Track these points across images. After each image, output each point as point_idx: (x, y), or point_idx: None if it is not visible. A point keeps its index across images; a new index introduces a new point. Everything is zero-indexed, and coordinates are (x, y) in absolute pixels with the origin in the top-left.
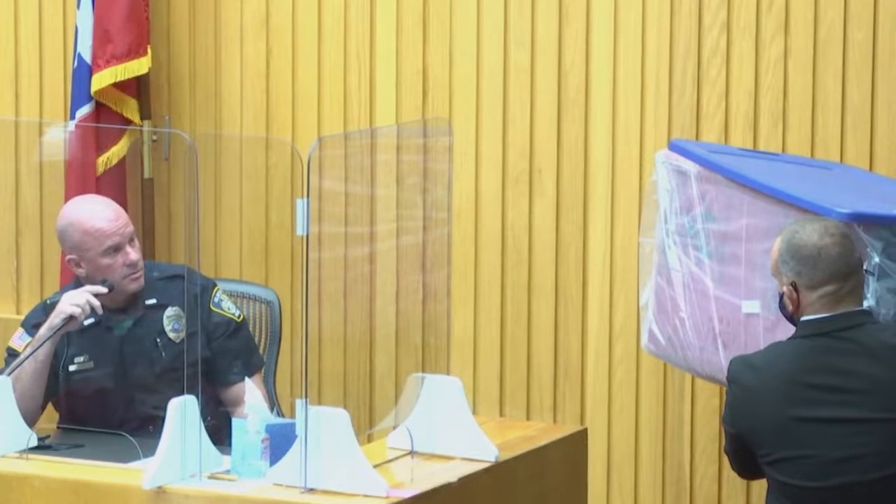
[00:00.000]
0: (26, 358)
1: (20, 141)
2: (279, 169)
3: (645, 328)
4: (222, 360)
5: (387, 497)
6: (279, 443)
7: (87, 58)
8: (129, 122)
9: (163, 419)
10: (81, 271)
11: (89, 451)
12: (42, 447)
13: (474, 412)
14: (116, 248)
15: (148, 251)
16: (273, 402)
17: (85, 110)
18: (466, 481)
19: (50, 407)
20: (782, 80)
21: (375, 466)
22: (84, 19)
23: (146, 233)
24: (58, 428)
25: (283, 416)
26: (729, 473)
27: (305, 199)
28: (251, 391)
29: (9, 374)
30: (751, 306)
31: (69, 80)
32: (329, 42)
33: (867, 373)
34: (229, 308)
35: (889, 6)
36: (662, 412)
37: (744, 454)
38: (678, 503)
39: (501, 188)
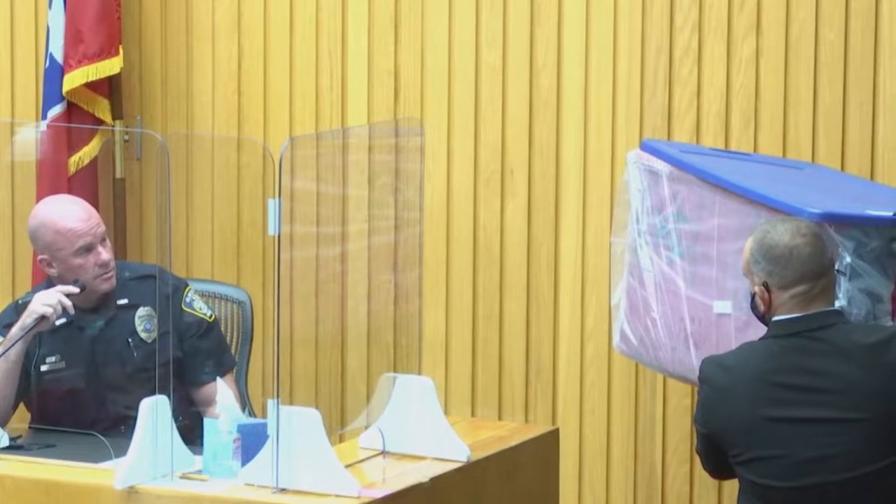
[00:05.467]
0: None
1: None
2: (251, 169)
3: (617, 328)
4: (194, 359)
5: (358, 497)
6: (251, 443)
7: (59, 58)
8: (100, 122)
9: (134, 419)
10: (53, 271)
11: (61, 451)
12: (13, 447)
13: (446, 412)
14: (88, 248)
15: (120, 251)
16: (245, 402)
17: (56, 110)
18: (438, 481)
19: (21, 407)
20: (754, 79)
21: (347, 466)
22: (56, 19)
23: (118, 233)
24: (29, 428)
25: (254, 415)
26: (700, 473)
27: (277, 199)
28: (223, 391)
29: None
30: (722, 306)
31: (41, 80)
32: (301, 42)
33: (839, 373)
34: (201, 308)
35: (860, 6)
36: (634, 412)
37: (715, 454)
38: (650, 503)
39: (473, 188)
